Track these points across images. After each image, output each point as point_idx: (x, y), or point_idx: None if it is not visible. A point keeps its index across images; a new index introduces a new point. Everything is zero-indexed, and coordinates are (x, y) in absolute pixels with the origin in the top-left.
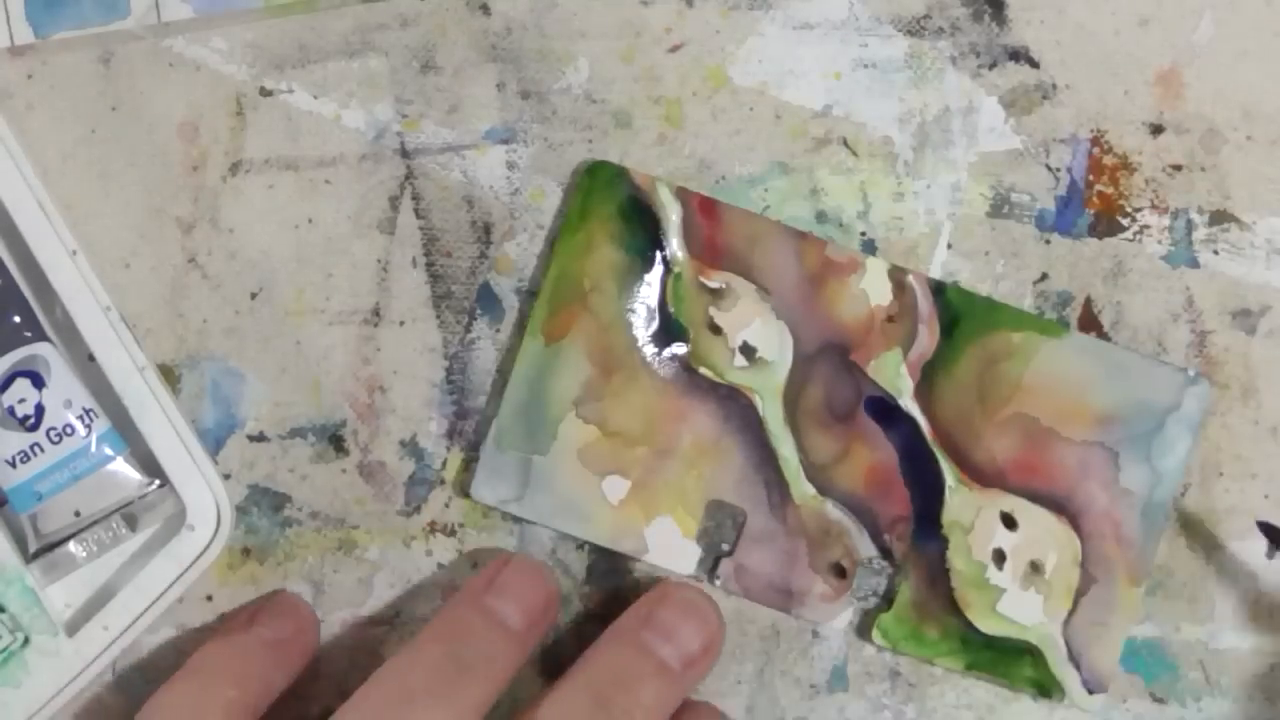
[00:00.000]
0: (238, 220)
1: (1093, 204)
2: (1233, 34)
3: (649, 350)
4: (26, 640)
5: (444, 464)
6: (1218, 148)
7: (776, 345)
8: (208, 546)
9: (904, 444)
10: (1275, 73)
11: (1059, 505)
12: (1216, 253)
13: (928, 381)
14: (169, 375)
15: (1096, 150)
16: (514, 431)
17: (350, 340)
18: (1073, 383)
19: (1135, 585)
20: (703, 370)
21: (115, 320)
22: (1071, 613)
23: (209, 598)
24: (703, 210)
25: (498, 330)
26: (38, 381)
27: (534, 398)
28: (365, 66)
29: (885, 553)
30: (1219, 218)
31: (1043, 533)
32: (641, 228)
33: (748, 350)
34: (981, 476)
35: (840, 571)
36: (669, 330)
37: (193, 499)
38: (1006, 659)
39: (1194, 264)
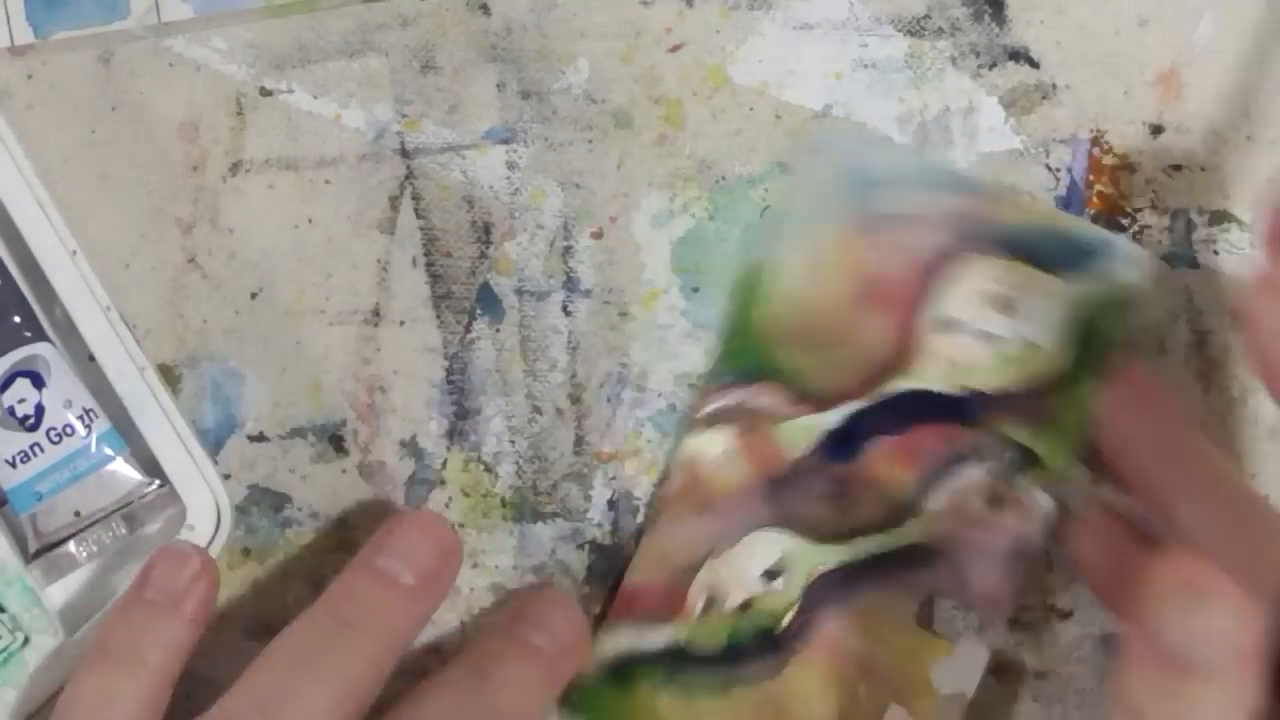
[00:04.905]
0: (238, 220)
1: (1093, 204)
2: (1233, 34)
3: None
4: (26, 640)
5: (444, 464)
6: (1218, 148)
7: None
8: (208, 546)
9: None
10: (1275, 73)
11: None
12: (1216, 253)
13: None
14: (169, 375)
15: (1096, 150)
16: None
17: (350, 340)
18: None
19: None
20: None
21: (115, 320)
22: None
23: None
24: None
25: (498, 330)
26: (38, 381)
27: None
28: (365, 66)
29: None
30: (1219, 218)
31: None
32: None
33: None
34: None
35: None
36: None
37: (192, 499)
38: None
39: (1194, 264)
